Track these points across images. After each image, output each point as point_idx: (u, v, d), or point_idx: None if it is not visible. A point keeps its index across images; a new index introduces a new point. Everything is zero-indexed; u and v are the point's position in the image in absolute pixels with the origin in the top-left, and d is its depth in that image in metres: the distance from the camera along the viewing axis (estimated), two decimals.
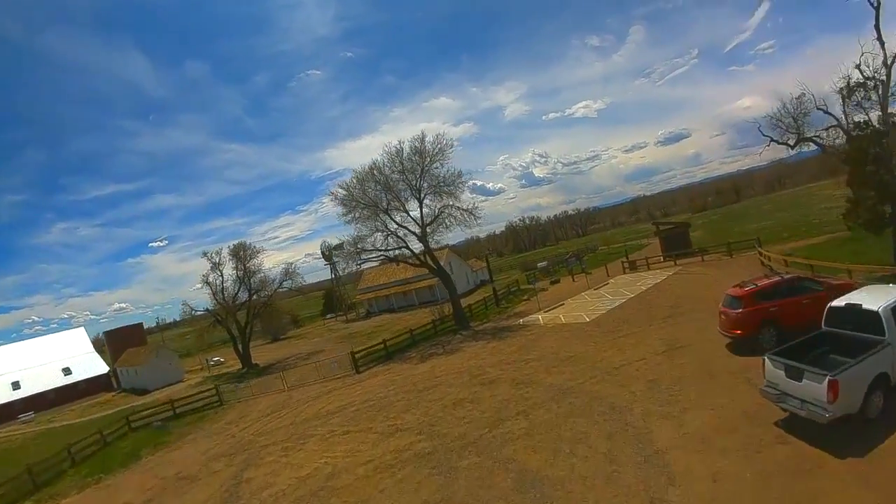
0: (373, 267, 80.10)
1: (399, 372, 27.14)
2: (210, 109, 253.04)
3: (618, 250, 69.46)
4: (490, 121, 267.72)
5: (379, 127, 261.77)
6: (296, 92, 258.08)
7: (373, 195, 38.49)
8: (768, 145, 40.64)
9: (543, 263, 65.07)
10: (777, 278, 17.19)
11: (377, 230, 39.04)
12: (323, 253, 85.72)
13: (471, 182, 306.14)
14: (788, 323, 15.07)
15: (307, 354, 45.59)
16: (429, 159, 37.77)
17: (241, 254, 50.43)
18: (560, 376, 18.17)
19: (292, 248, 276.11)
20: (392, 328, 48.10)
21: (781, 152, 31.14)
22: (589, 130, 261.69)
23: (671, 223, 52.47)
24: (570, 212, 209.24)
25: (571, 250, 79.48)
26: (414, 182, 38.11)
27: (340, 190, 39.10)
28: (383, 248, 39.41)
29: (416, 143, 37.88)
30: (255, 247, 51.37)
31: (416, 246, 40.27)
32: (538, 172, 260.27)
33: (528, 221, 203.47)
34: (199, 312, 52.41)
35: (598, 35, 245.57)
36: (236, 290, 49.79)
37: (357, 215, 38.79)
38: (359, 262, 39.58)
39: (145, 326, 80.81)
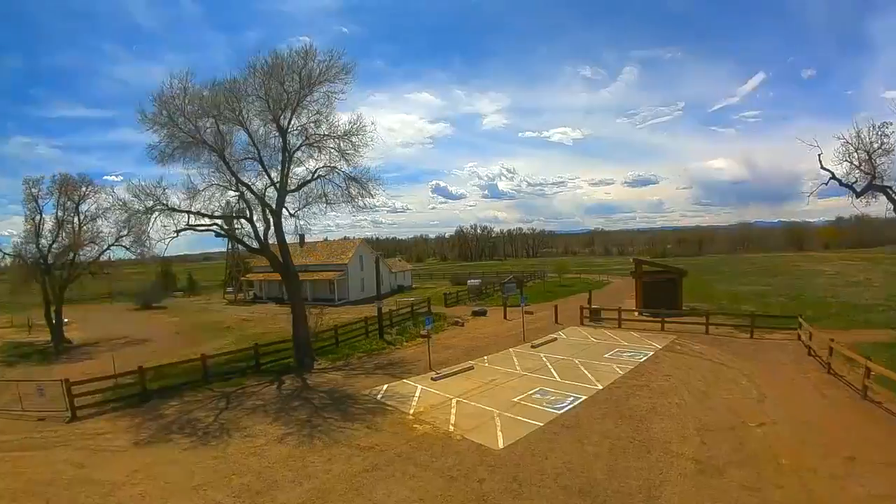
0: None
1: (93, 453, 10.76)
2: (194, 52, 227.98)
3: (571, 283, 55.71)
4: (467, 126, 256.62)
5: (356, 108, 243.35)
6: (282, 55, 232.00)
7: (201, 122, 21.23)
8: (826, 184, 27.05)
9: (475, 282, 50.04)
10: None
11: (212, 181, 22.09)
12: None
13: (433, 182, 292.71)
14: None
15: (140, 341, 32.48)
16: (309, 83, 21.11)
17: (68, 191, 32.60)
18: None
19: None
20: (251, 329, 33.92)
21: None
22: (561, 156, 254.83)
23: (659, 266, 38.40)
24: (524, 229, 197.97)
25: (515, 272, 64.75)
26: (281, 116, 21.43)
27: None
28: (208, 213, 22.22)
29: (294, 57, 21.01)
30: (92, 183, 33.70)
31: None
32: (503, 186, 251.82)
33: (479, 230, 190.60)
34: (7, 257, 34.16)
35: (591, 67, 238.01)
36: (52, 239, 32.30)
37: (175, 148, 21.35)
38: (145, 226, 21.92)
39: None
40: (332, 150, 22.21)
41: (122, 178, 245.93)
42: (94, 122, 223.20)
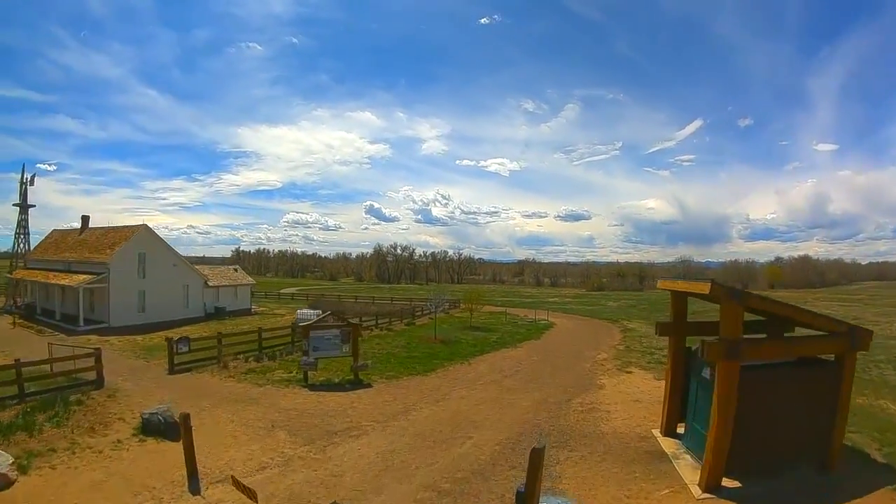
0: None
1: None
2: (142, 45, 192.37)
3: (491, 323, 33.86)
4: (405, 149, 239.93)
5: (298, 121, 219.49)
6: (230, 59, 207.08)
7: None
8: None
9: (308, 314, 26.36)
10: None
11: None
12: None
13: (368, 203, 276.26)
14: None
15: None
16: None
17: None
18: None
19: (176, 214, 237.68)
20: None
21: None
22: (496, 187, 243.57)
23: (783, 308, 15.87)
24: (450, 253, 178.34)
25: (401, 298, 41.65)
26: None
27: None
28: None
29: None
30: None
31: None
32: (436, 212, 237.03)
33: (399, 250, 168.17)
34: None
35: (533, 101, 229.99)
36: None
37: None
38: None
39: None
40: None
41: (55, 167, 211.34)
42: (31, 105, 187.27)
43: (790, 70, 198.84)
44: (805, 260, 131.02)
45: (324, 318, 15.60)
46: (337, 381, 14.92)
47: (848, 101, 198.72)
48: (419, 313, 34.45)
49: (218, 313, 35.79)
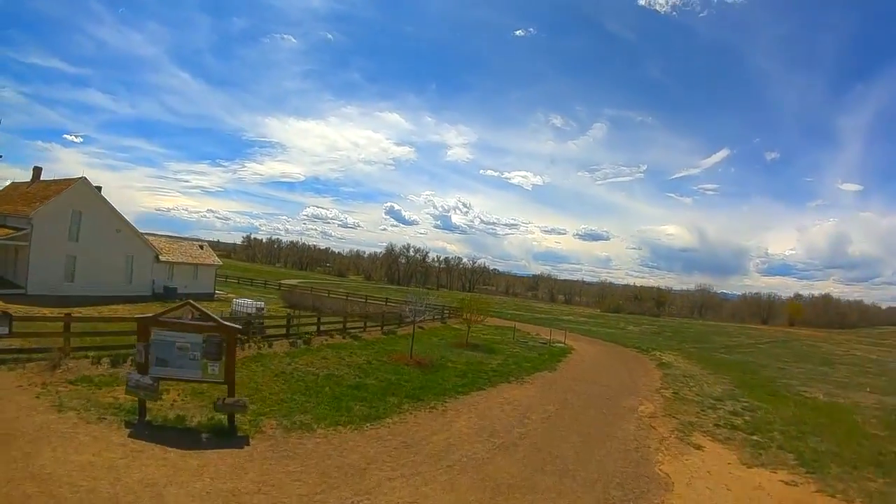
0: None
1: None
2: (178, 27, 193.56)
3: (492, 340, 27.06)
4: (430, 154, 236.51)
5: (326, 116, 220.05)
6: (264, 49, 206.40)
7: None
8: None
9: (247, 305, 19.80)
10: None
11: None
12: None
13: (388, 204, 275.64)
14: None
15: None
16: None
17: None
18: None
19: (197, 197, 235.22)
20: None
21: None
22: (518, 199, 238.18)
23: None
24: (464, 260, 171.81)
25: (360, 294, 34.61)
26: None
27: None
28: None
29: None
30: None
31: None
32: (456, 219, 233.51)
33: (411, 251, 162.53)
34: None
35: (562, 117, 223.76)
36: None
37: None
38: None
39: None
40: None
41: (81, 140, 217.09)
42: (64, 76, 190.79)
43: (820, 106, 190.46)
44: (827, 299, 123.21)
45: (180, 306, 8.89)
46: (196, 422, 8.40)
47: (876, 141, 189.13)
48: (409, 319, 27.81)
49: (167, 294, 29.78)
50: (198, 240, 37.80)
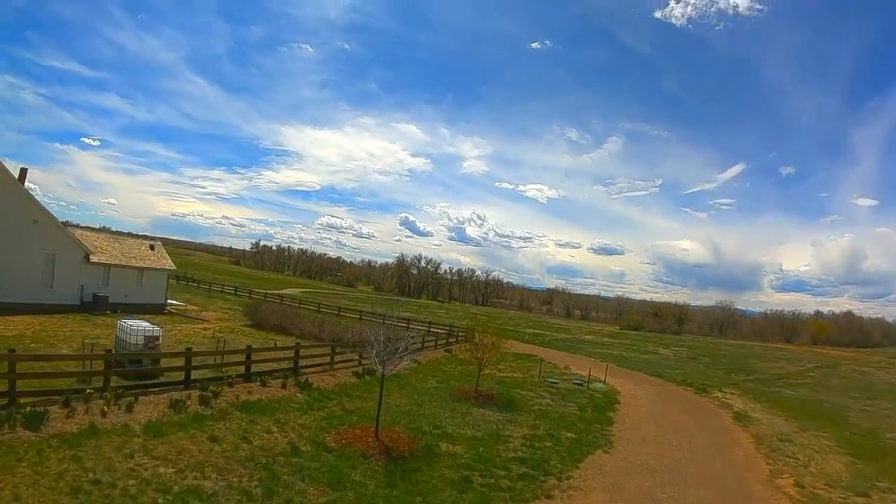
0: None
1: None
2: (196, 34, 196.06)
3: (516, 381, 19.86)
4: (446, 166, 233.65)
5: (343, 126, 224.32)
6: (281, 57, 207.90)
7: None
8: None
9: (136, 329, 13.25)
10: None
11: None
12: None
13: (403, 215, 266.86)
14: None
15: None
16: None
17: None
18: None
19: (213, 203, 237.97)
20: None
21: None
22: (532, 212, 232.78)
23: None
24: (477, 273, 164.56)
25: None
26: None
27: None
28: None
29: None
30: None
31: None
32: (470, 231, 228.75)
33: (423, 262, 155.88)
34: None
35: (578, 130, 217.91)
36: None
37: None
38: None
39: None
40: None
41: (99, 143, 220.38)
42: (83, 79, 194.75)
43: (836, 121, 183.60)
44: (849, 316, 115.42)
45: None
46: None
47: (892, 155, 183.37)
48: (415, 344, 20.75)
49: (96, 304, 23.32)
50: (151, 238, 31.32)
